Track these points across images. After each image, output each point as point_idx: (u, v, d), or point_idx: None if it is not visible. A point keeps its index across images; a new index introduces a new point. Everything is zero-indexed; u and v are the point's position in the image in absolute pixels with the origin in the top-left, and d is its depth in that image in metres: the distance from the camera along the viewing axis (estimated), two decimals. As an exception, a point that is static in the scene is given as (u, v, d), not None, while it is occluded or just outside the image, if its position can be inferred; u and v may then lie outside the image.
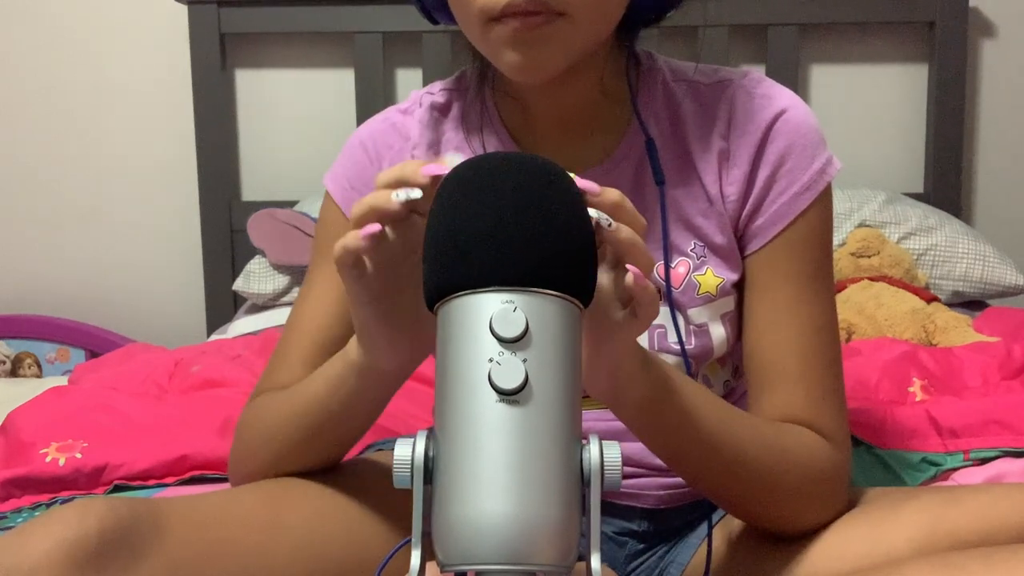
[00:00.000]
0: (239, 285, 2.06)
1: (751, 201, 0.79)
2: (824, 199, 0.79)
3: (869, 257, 1.85)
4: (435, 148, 0.85)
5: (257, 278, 2.03)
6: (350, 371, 0.71)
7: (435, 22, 0.81)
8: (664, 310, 0.80)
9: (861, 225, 1.92)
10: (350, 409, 0.74)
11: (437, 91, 0.87)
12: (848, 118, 2.24)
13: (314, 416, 0.75)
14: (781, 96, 0.80)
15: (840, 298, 1.76)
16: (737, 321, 0.83)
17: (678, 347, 0.79)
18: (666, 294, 0.80)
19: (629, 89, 0.81)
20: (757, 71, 2.25)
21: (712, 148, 0.80)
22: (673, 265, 0.80)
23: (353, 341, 0.70)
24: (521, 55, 0.70)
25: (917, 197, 2.10)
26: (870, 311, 1.68)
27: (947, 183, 2.18)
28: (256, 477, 0.79)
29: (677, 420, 0.68)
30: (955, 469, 1.03)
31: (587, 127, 0.82)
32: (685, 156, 0.81)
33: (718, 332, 0.81)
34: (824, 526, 0.75)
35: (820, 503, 0.75)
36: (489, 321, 0.49)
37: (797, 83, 2.19)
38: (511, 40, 0.70)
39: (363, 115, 2.11)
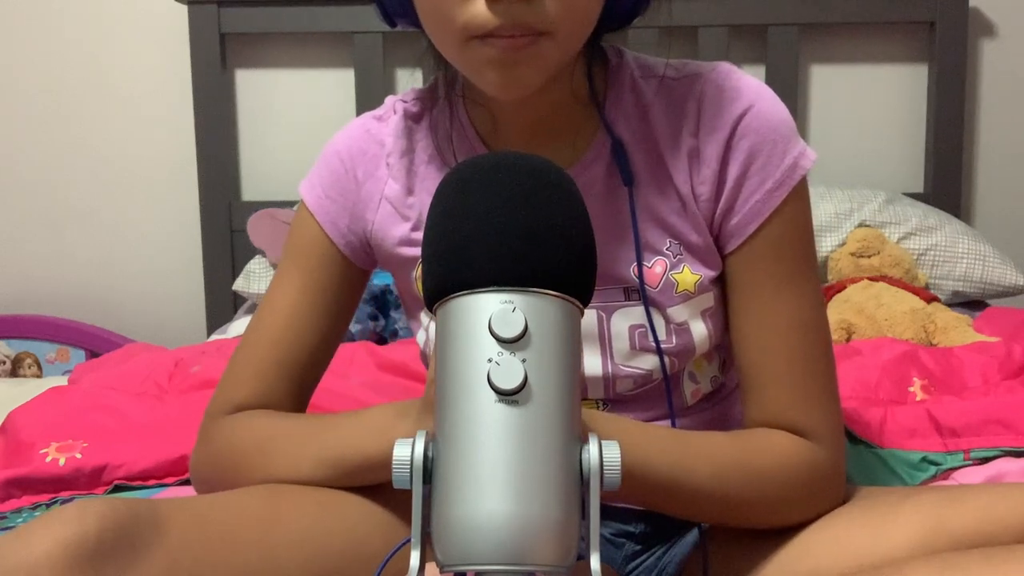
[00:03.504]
0: (239, 285, 2.06)
1: (723, 200, 0.78)
2: (799, 193, 0.78)
3: (869, 257, 1.85)
4: (409, 156, 0.85)
5: (257, 278, 2.03)
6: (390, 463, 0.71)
7: (393, 25, 0.80)
8: (641, 310, 0.80)
9: (861, 225, 1.92)
10: (374, 480, 0.76)
11: (411, 100, 0.86)
12: (848, 118, 2.24)
13: (334, 475, 0.76)
14: (748, 90, 0.79)
15: (840, 298, 1.76)
16: (719, 317, 0.82)
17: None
18: (641, 294, 0.80)
19: (594, 93, 0.80)
20: (756, 71, 2.22)
21: (682, 147, 0.79)
22: (650, 265, 0.80)
23: (401, 435, 0.69)
24: (503, 75, 0.70)
25: (917, 197, 2.10)
26: (870, 311, 1.68)
27: (947, 183, 2.18)
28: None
29: (629, 478, 0.68)
30: (955, 469, 1.03)
31: (557, 130, 0.81)
32: (656, 155, 0.80)
33: (699, 329, 0.81)
34: (820, 520, 0.75)
35: (801, 505, 0.75)
36: (488, 321, 0.49)
37: (797, 83, 2.19)
38: (494, 61, 0.69)
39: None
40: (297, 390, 0.85)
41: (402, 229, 0.84)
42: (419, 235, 0.83)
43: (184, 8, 2.19)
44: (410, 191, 0.84)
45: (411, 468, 0.49)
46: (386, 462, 0.71)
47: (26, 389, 1.66)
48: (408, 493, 0.49)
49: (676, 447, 0.73)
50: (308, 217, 0.86)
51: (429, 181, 0.84)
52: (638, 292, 0.80)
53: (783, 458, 0.75)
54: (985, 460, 1.04)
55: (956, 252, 1.90)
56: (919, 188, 2.22)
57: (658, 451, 0.71)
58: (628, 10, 0.77)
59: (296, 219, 0.88)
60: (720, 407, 0.89)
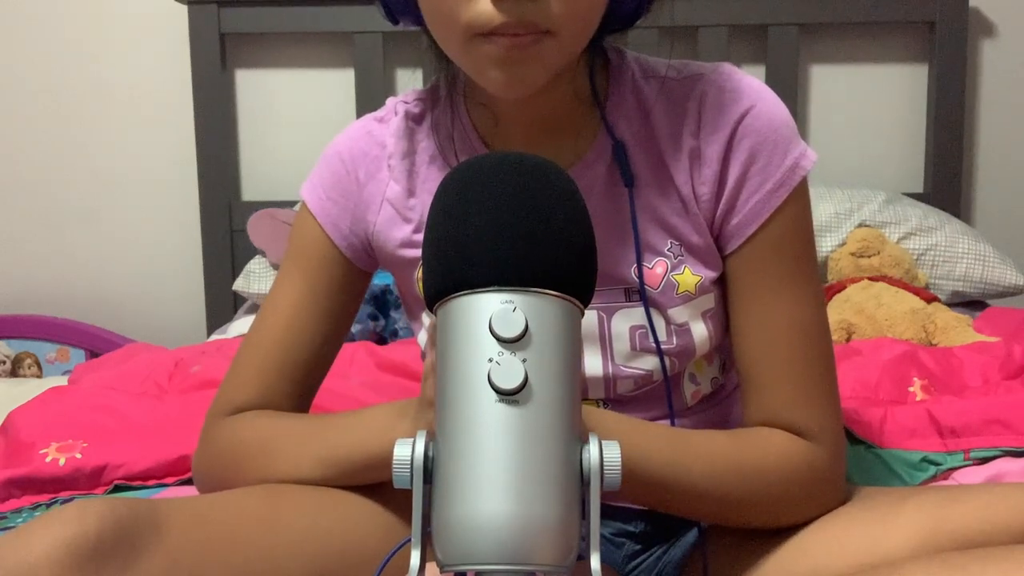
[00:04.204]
0: (239, 285, 2.06)
1: (724, 201, 0.79)
2: (799, 194, 0.78)
3: (869, 257, 1.85)
4: (410, 157, 0.85)
5: (257, 278, 2.03)
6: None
7: (396, 22, 0.80)
8: (642, 311, 0.80)
9: (861, 225, 1.92)
10: (377, 479, 0.76)
11: (412, 100, 0.87)
12: (848, 118, 2.24)
13: (335, 474, 0.77)
14: (749, 91, 0.79)
15: (840, 298, 1.76)
16: (720, 318, 0.83)
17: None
18: (641, 294, 0.80)
19: (595, 93, 0.80)
20: (756, 71, 2.22)
21: (683, 147, 0.79)
22: (651, 265, 0.80)
23: (402, 433, 0.70)
24: (506, 73, 0.70)
25: (917, 197, 2.10)
26: (870, 311, 1.68)
27: (947, 183, 2.18)
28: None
29: (624, 481, 0.69)
30: (955, 468, 1.03)
31: (559, 130, 0.81)
32: (657, 156, 0.80)
33: (700, 330, 0.81)
34: (820, 520, 0.75)
35: (798, 504, 0.75)
36: (489, 321, 0.49)
37: (797, 83, 2.19)
38: (498, 59, 0.69)
39: (363, 115, 2.12)
40: (299, 391, 0.85)
41: (404, 231, 0.84)
42: (421, 237, 0.83)
43: (184, 8, 2.19)
44: (411, 193, 0.84)
45: (411, 468, 0.49)
46: (387, 461, 0.71)
47: (26, 389, 1.66)
48: (408, 493, 0.49)
49: (673, 445, 0.73)
50: (309, 218, 0.86)
51: (431, 182, 0.84)
52: (639, 293, 0.80)
53: (782, 458, 0.75)
54: (985, 460, 1.04)
55: (956, 252, 1.90)
56: (919, 188, 2.22)
57: (655, 449, 0.71)
58: (631, 11, 0.77)
59: (297, 220, 0.88)
60: (720, 408, 0.89)
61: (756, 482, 0.74)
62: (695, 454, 0.73)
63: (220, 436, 0.83)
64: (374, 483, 0.78)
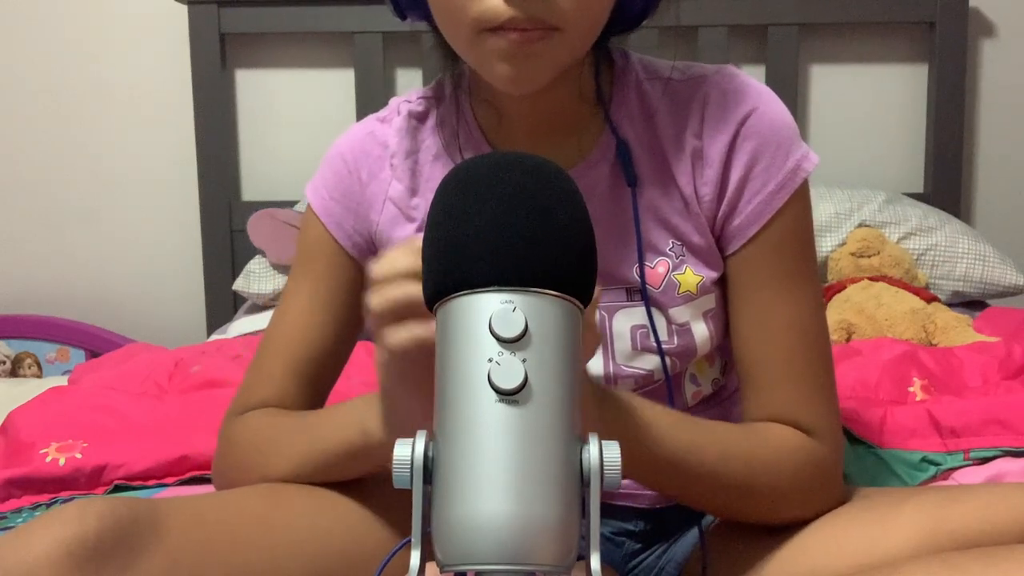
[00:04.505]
0: (239, 285, 2.06)
1: (726, 202, 0.79)
2: (801, 196, 0.79)
3: (869, 257, 1.85)
4: (413, 156, 0.85)
5: (257, 278, 2.03)
6: (371, 449, 0.71)
7: (404, 18, 0.80)
8: (643, 310, 0.80)
9: (861, 225, 1.92)
10: (364, 470, 0.76)
11: (415, 99, 0.87)
12: (848, 118, 2.24)
13: (322, 467, 0.77)
14: (752, 93, 0.79)
15: (840, 298, 1.76)
16: (721, 319, 0.83)
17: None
18: (642, 294, 0.80)
19: (600, 93, 0.81)
20: (756, 71, 2.22)
21: (685, 148, 0.80)
22: (652, 265, 0.80)
23: (374, 420, 0.70)
24: (514, 68, 0.70)
25: (917, 197, 2.10)
26: (870, 311, 1.68)
27: (947, 183, 2.18)
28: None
29: (638, 453, 0.69)
30: (955, 469, 1.03)
31: (563, 130, 0.81)
32: (660, 156, 0.80)
33: (700, 330, 0.82)
34: (819, 518, 0.75)
35: (802, 499, 0.76)
36: (488, 321, 0.48)
37: (797, 83, 2.19)
38: (506, 53, 0.69)
39: (363, 115, 2.11)
40: (310, 392, 0.85)
41: (407, 230, 0.84)
42: None
43: (184, 8, 2.19)
44: (414, 192, 0.84)
45: (411, 468, 0.49)
46: (365, 451, 0.72)
47: (26, 389, 1.66)
48: (408, 493, 0.49)
49: (690, 428, 0.73)
50: (314, 219, 0.87)
51: (434, 181, 0.84)
52: (640, 292, 0.80)
53: (787, 451, 0.75)
54: (985, 460, 1.04)
55: (956, 252, 1.90)
56: (919, 188, 2.22)
57: (672, 429, 0.71)
58: (638, 11, 0.77)
59: (304, 222, 0.89)
60: (720, 408, 0.89)
61: (764, 472, 0.74)
62: (710, 440, 0.73)
63: (230, 436, 0.84)
64: (373, 484, 0.78)
